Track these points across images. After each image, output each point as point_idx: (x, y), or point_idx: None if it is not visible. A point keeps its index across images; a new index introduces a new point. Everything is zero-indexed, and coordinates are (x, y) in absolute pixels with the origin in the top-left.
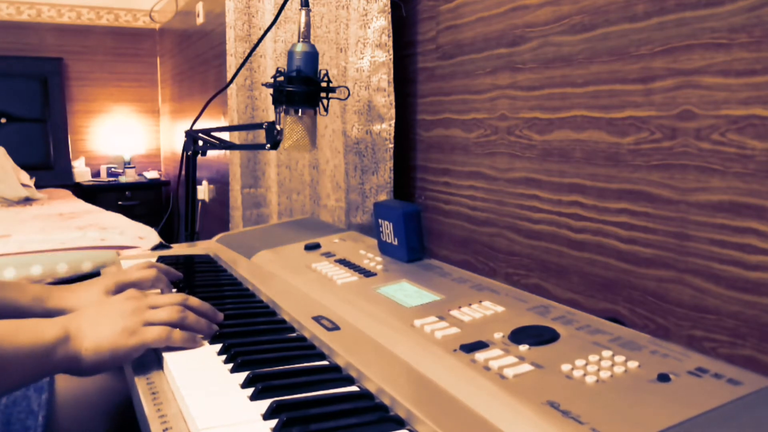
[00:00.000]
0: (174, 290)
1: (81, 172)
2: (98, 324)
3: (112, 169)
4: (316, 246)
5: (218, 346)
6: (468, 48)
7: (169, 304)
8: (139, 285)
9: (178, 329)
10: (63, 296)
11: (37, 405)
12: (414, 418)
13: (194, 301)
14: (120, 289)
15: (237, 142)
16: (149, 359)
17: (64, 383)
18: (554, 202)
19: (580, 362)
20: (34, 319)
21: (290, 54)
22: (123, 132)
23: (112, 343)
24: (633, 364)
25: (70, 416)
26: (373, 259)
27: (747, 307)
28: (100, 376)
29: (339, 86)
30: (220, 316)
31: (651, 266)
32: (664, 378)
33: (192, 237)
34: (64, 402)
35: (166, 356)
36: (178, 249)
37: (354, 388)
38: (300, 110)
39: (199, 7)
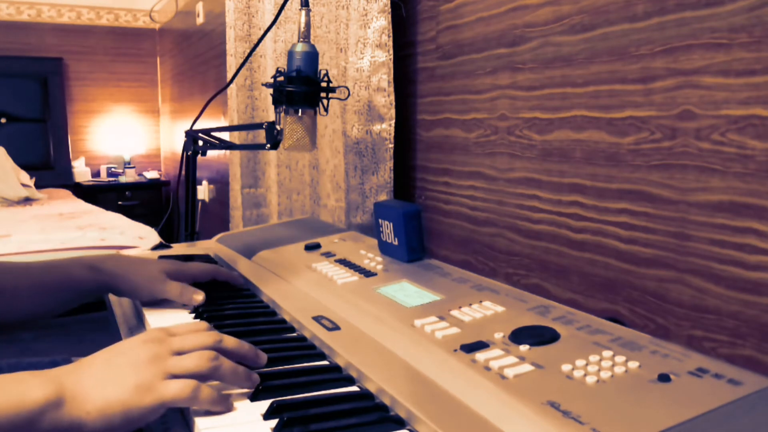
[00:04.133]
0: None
1: (81, 172)
2: (106, 378)
3: (112, 169)
4: (316, 246)
5: None
6: (468, 48)
7: (198, 347)
8: (198, 278)
9: (206, 387)
10: (118, 262)
11: None
12: (414, 418)
13: (230, 341)
14: (178, 278)
15: (237, 142)
16: None
17: None
18: (554, 202)
19: (580, 362)
20: (19, 373)
21: (290, 54)
22: (123, 132)
23: (124, 403)
24: (633, 364)
25: None
26: (373, 259)
27: (747, 307)
28: None
29: (339, 86)
30: (263, 357)
31: (651, 266)
32: (664, 378)
33: (192, 237)
34: None
35: None
36: (178, 249)
37: (354, 388)
38: (300, 110)
39: (199, 7)
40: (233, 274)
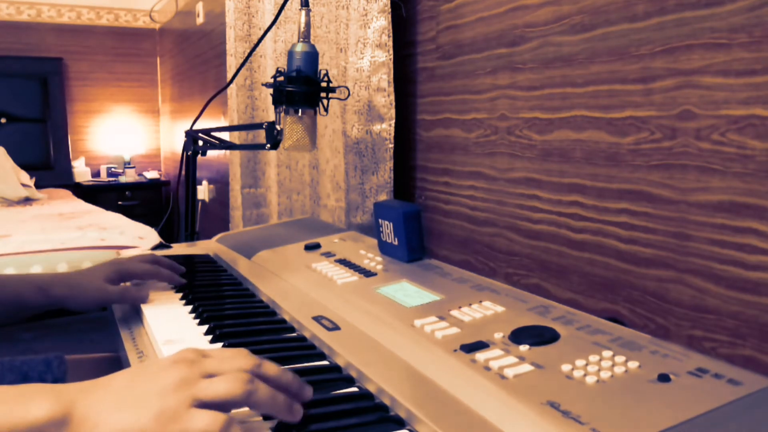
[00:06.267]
0: (179, 294)
1: (81, 172)
2: (124, 401)
3: (112, 169)
4: (316, 246)
5: (219, 345)
6: (468, 48)
7: (233, 369)
8: (140, 277)
9: (237, 428)
10: (66, 283)
11: None
12: (414, 418)
13: (271, 368)
14: (120, 278)
15: (237, 142)
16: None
17: None
18: (554, 202)
19: (580, 362)
20: (28, 385)
21: (290, 54)
22: (123, 132)
23: None
24: (633, 364)
25: None
26: (373, 259)
27: (747, 307)
28: None
29: (339, 86)
30: (308, 391)
31: (651, 266)
32: (664, 378)
33: (192, 237)
34: None
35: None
36: (178, 249)
37: (354, 389)
38: (300, 110)
39: (199, 7)
40: (174, 275)
